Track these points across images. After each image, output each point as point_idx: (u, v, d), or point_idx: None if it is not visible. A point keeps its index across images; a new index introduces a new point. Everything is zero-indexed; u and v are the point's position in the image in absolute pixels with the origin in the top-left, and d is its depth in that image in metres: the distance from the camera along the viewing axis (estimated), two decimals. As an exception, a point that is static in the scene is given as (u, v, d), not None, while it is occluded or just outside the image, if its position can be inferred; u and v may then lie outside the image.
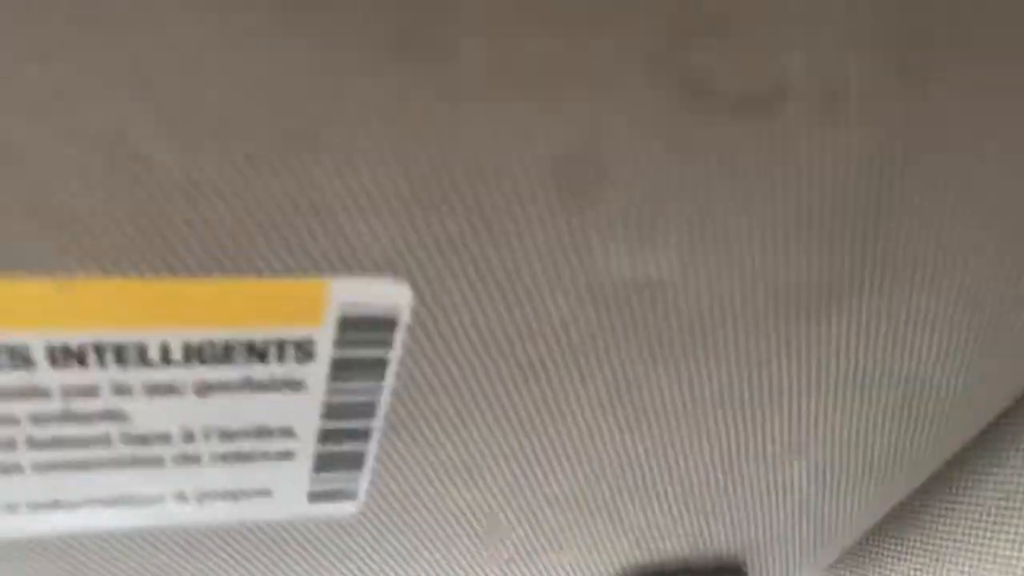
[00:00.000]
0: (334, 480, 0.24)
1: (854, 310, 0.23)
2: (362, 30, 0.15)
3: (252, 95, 0.15)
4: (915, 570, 0.37)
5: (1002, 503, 0.34)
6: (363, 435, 0.23)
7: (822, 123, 0.19)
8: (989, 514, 0.34)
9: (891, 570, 0.38)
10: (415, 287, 0.20)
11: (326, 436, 0.22)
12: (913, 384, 0.27)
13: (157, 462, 0.22)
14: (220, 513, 0.24)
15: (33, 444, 0.20)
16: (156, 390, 0.20)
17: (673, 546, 0.32)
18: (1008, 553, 0.33)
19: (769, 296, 0.22)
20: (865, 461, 0.30)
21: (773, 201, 0.20)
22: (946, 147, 0.20)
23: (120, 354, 0.19)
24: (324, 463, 0.23)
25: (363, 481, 0.25)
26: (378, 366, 0.21)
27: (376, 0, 0.15)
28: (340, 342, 0.20)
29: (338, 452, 0.23)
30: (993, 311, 0.25)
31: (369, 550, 0.28)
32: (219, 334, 0.19)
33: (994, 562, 0.34)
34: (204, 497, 0.23)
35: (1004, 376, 0.28)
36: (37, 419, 0.20)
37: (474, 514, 0.28)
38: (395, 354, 0.21)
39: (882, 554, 0.39)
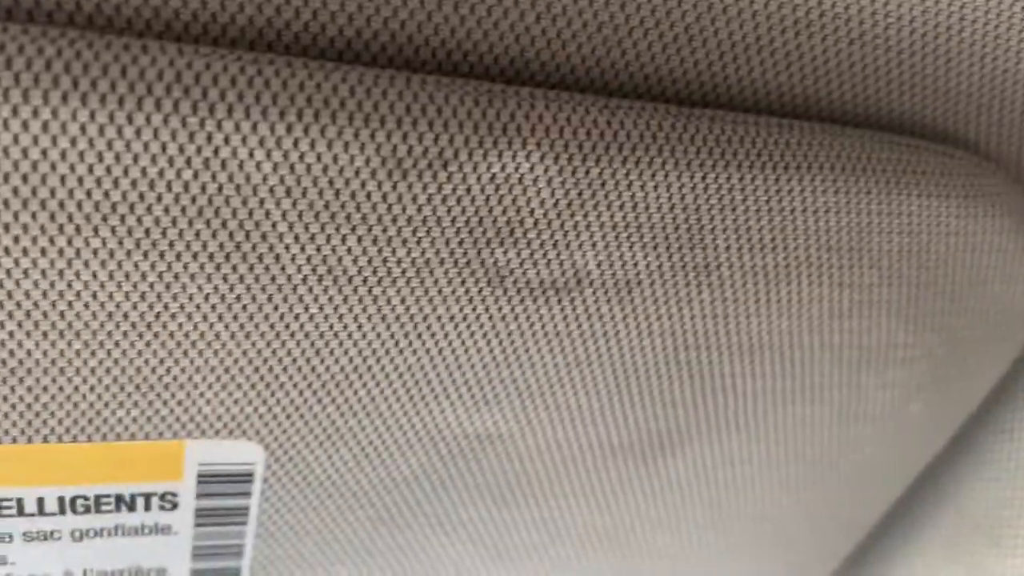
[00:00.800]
0: None
1: (687, 455, 0.26)
2: (188, 247, 0.18)
3: (108, 302, 0.18)
4: None
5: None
6: (232, 573, 0.25)
7: (619, 307, 0.22)
8: None
9: None
10: (267, 446, 0.22)
11: (198, 574, 0.25)
12: (754, 520, 0.29)
13: None
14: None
15: None
16: (34, 537, 0.22)
17: None
18: None
19: (603, 444, 0.25)
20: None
21: (585, 371, 0.23)
22: (737, 322, 0.23)
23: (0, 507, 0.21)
24: None
25: None
26: (239, 513, 0.23)
27: (198, 225, 0.18)
28: (201, 494, 0.23)
29: (210, 590, 0.25)
30: (817, 454, 0.27)
31: None
32: (89, 489, 0.22)
33: None
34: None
35: (841, 505, 0.30)
36: None
37: None
38: (254, 502, 0.23)
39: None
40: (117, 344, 0.19)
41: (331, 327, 0.20)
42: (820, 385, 0.25)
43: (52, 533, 0.22)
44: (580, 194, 0.20)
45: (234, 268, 0.19)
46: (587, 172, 0.19)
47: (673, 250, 0.21)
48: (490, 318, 0.21)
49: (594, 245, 0.20)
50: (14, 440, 0.20)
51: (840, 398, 0.26)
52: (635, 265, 0.21)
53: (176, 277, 0.18)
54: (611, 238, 0.20)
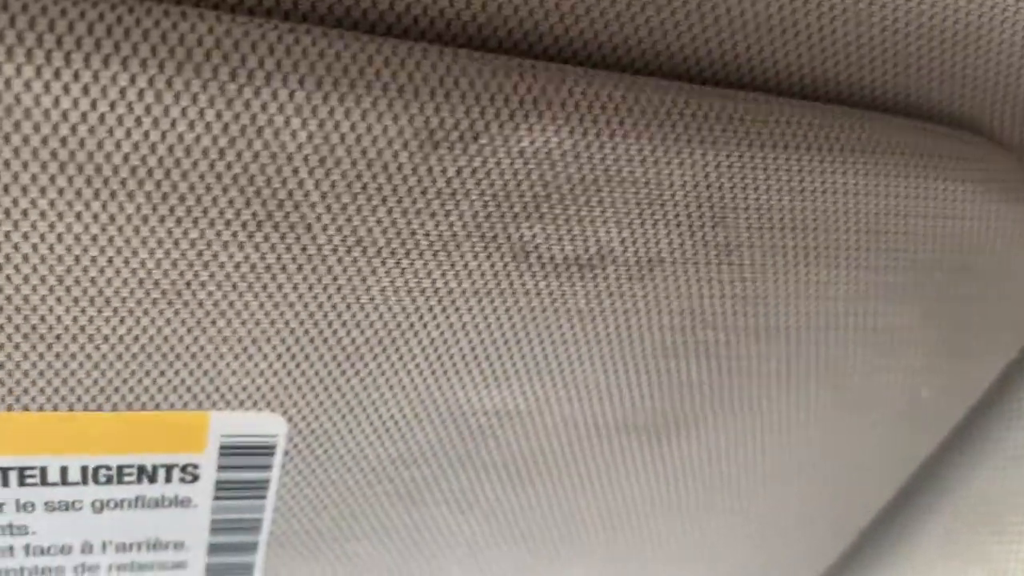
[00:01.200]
0: None
1: (696, 436, 0.26)
2: (222, 215, 0.18)
3: (139, 269, 0.18)
4: None
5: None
6: (250, 548, 0.25)
7: (639, 285, 0.22)
8: None
9: None
10: (290, 418, 0.22)
11: (215, 548, 0.25)
12: (755, 500, 0.29)
13: (58, 571, 0.24)
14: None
15: None
16: (56, 507, 0.22)
17: None
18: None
19: (617, 423, 0.25)
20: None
21: (604, 349, 0.23)
22: (755, 303, 0.23)
23: (22, 476, 0.21)
24: (215, 573, 0.26)
25: None
26: (259, 487, 0.24)
27: (233, 190, 0.18)
28: (223, 466, 0.23)
29: (227, 563, 0.25)
30: (819, 438, 0.28)
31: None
32: (112, 459, 0.22)
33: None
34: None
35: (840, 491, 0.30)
36: None
37: None
38: (274, 475, 0.23)
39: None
40: (146, 312, 0.19)
41: (358, 298, 0.20)
42: (833, 369, 0.26)
43: (73, 503, 0.22)
44: (606, 170, 0.20)
45: (266, 237, 0.19)
46: (613, 148, 0.20)
47: (695, 228, 0.21)
48: (513, 293, 0.21)
49: (617, 222, 0.21)
50: (40, 408, 0.20)
51: (852, 382, 0.26)
52: (657, 243, 0.21)
53: (208, 245, 0.18)
54: (635, 215, 0.21)
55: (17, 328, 0.19)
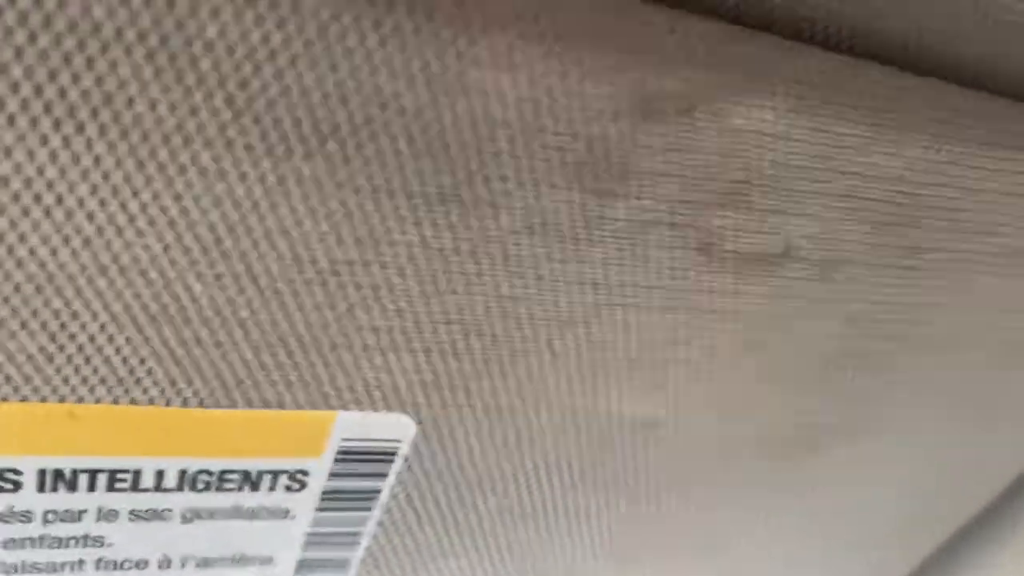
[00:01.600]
0: None
1: (836, 453, 0.24)
2: (405, 186, 0.15)
3: (298, 243, 0.15)
4: None
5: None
6: (342, 565, 0.22)
7: (820, 285, 0.20)
8: None
9: None
10: (420, 420, 0.20)
11: (304, 565, 0.22)
12: (873, 514, 0.28)
13: None
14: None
15: (3, 568, 0.19)
16: (142, 516, 0.19)
17: None
18: None
19: (761, 439, 0.23)
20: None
21: (764, 350, 0.21)
22: (929, 312, 0.21)
23: (112, 480, 0.18)
24: None
25: None
26: (369, 497, 0.21)
27: (419, 162, 0.15)
28: (336, 473, 0.20)
29: (317, 582, 0.22)
30: (946, 466, 0.26)
31: None
32: (215, 463, 0.19)
33: None
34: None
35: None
36: (12, 543, 0.19)
37: None
38: (387, 484, 0.21)
39: None
40: (296, 295, 0.16)
41: (525, 288, 0.18)
42: (976, 380, 0.24)
43: (162, 513, 0.19)
44: (815, 155, 0.18)
45: (446, 213, 0.16)
46: (827, 132, 0.17)
47: (889, 227, 0.19)
48: (689, 290, 0.19)
49: (813, 216, 0.19)
50: (151, 400, 0.17)
51: (989, 393, 0.25)
52: (848, 241, 0.19)
53: (383, 220, 0.16)
54: (831, 209, 0.19)
55: (145, 307, 0.16)
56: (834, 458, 0.24)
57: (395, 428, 0.19)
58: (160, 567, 0.21)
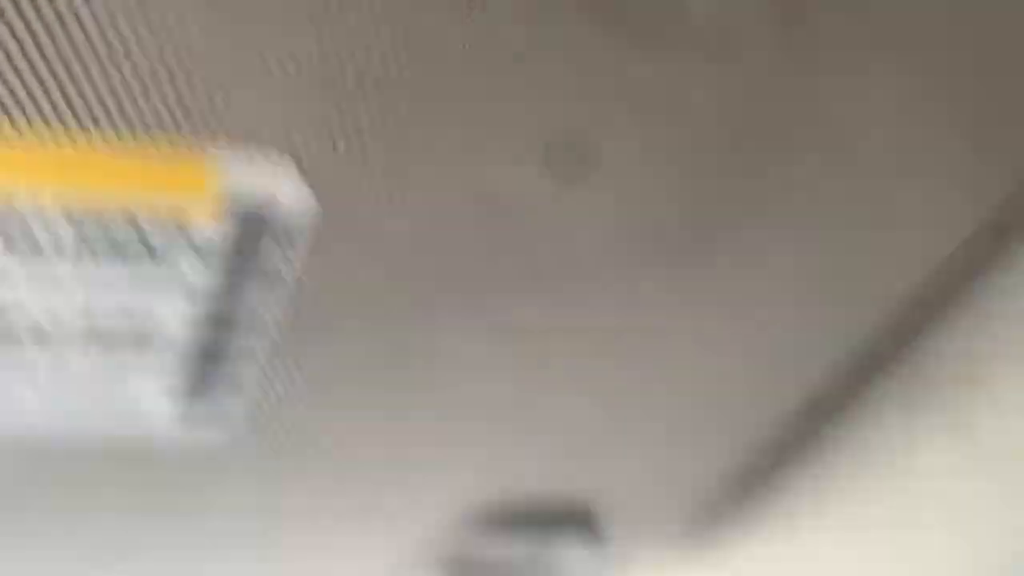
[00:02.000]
0: (211, 402, 0.24)
1: (728, 256, 0.25)
2: None
3: None
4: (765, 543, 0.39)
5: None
6: (246, 354, 0.23)
7: (715, 59, 0.20)
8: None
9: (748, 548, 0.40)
10: (316, 192, 0.20)
11: (207, 353, 0.22)
12: (776, 332, 0.29)
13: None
14: (89, 425, 0.23)
15: None
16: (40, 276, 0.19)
17: (522, 485, 0.33)
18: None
19: (648, 232, 0.24)
20: (725, 417, 0.31)
21: (660, 131, 0.21)
22: (823, 93, 0.22)
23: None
24: (199, 383, 0.23)
25: (240, 406, 0.24)
26: (274, 277, 0.21)
27: None
28: (238, 248, 0.20)
29: (218, 373, 0.23)
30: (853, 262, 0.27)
31: (242, 476, 0.27)
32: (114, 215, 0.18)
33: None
34: (73, 411, 0.22)
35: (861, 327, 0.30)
36: None
37: (339, 447, 0.28)
38: (294, 265, 0.21)
39: (738, 528, 0.40)
40: None
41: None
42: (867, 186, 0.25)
43: (60, 277, 0.19)
44: None
45: None
46: None
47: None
48: (588, 58, 0.19)
49: None
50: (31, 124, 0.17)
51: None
52: (737, 13, 0.19)
53: None
54: None
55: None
56: (735, 261, 0.25)
57: (292, 197, 0.19)
58: (59, 332, 0.21)
